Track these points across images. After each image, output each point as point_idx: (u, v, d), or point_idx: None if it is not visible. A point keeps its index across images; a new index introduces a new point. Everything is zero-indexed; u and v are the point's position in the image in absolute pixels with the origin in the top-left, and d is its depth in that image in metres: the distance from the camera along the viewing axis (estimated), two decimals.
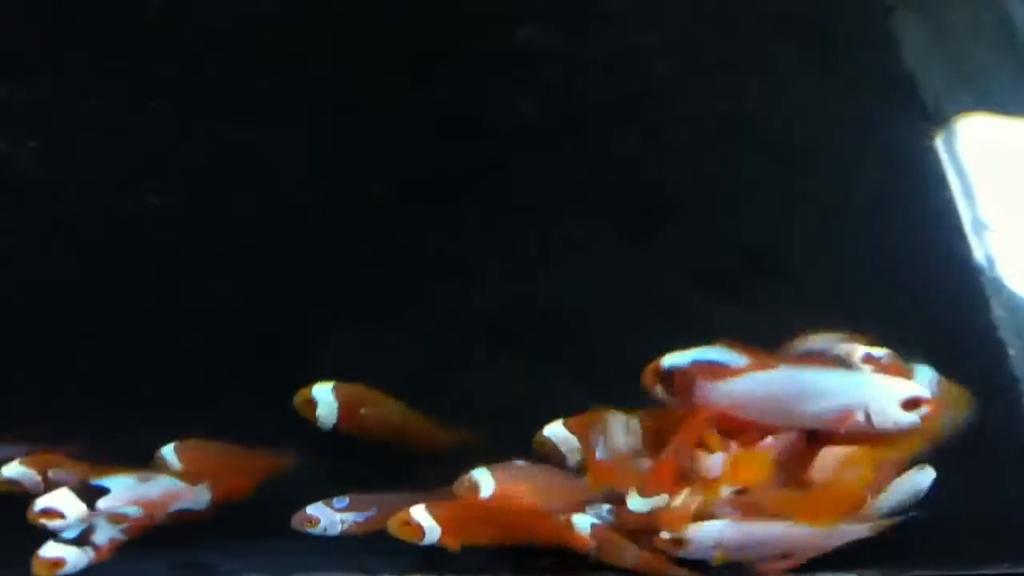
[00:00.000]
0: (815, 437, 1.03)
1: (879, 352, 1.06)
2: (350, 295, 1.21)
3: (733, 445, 1.01)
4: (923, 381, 1.06)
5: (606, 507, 1.01)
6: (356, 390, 1.07)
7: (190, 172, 1.30)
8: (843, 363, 1.06)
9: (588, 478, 1.02)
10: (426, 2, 1.49)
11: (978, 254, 1.30)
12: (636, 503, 0.99)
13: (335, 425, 1.06)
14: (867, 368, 1.05)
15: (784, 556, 1.02)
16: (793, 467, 1.02)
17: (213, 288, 1.20)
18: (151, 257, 1.23)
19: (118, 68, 1.39)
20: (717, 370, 1.03)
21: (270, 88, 1.39)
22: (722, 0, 1.53)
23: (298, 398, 1.06)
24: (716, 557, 1.00)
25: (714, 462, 1.00)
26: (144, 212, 1.26)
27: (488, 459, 1.02)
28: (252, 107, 1.36)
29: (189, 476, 1.01)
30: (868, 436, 1.02)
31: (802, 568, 1.02)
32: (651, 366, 1.03)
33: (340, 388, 1.06)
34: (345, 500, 1.01)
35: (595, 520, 1.00)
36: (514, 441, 1.05)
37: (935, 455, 1.05)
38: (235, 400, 1.09)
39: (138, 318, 1.17)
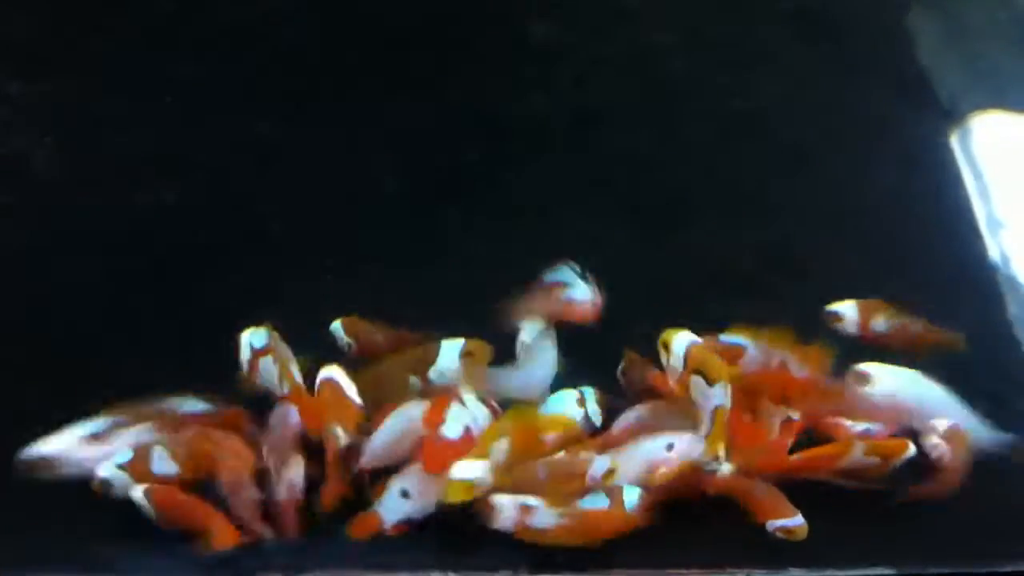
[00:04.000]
0: None
1: None
2: (366, 289, 1.21)
3: None
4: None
5: None
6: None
7: (206, 168, 1.31)
8: None
9: None
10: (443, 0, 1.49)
11: (993, 252, 1.30)
12: None
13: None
14: None
15: None
16: None
17: (230, 283, 1.20)
18: (168, 252, 1.23)
19: (134, 65, 1.39)
20: None
21: (286, 84, 1.39)
22: None
23: None
24: None
25: None
26: (160, 207, 1.27)
27: None
28: (268, 103, 1.37)
29: None
30: None
31: (813, 564, 1.03)
32: None
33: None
34: None
35: None
36: None
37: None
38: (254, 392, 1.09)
39: (156, 312, 1.17)
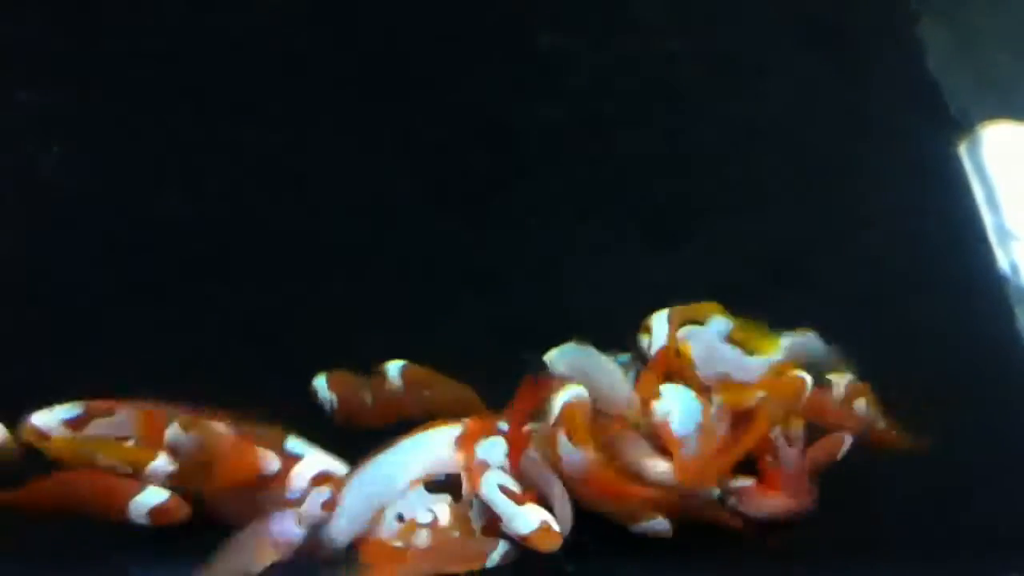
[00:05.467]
0: None
1: None
2: (374, 299, 1.21)
3: None
4: None
5: None
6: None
7: (214, 176, 1.30)
8: None
9: None
10: (451, 6, 1.49)
11: (1003, 263, 1.30)
12: None
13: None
14: None
15: None
16: None
17: (238, 292, 1.20)
18: (175, 262, 1.23)
19: (142, 72, 1.39)
20: None
21: (296, 93, 1.39)
22: (747, 6, 1.54)
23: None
24: None
25: None
26: (168, 217, 1.26)
27: None
28: (276, 111, 1.37)
29: None
30: None
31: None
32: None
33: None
34: None
35: None
36: None
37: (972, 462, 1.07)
38: (261, 404, 1.09)
39: (163, 322, 1.17)
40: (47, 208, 1.27)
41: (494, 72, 1.43)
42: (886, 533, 1.06)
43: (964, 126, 1.42)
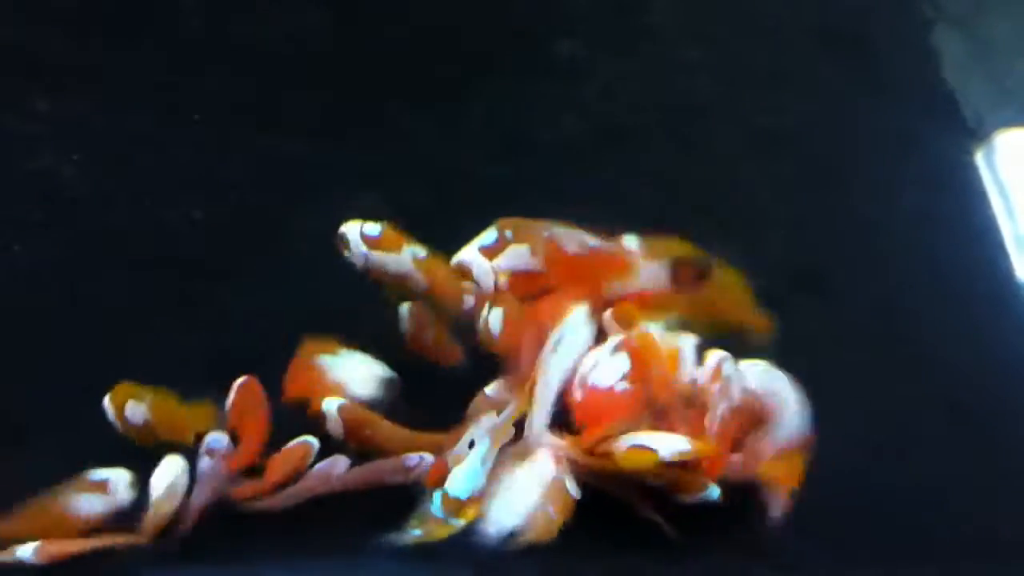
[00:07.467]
0: None
1: None
2: (393, 306, 1.21)
3: None
4: None
5: None
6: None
7: (234, 185, 1.31)
8: None
9: None
10: (468, 17, 1.49)
11: (1020, 271, 1.30)
12: None
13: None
14: None
15: None
16: None
17: (258, 301, 1.21)
18: (196, 270, 1.23)
19: (161, 81, 1.40)
20: None
21: (312, 101, 1.39)
22: (764, 15, 1.54)
23: None
24: None
25: None
26: (188, 225, 1.27)
27: None
28: (295, 120, 1.37)
29: None
30: None
31: None
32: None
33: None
34: None
35: None
36: None
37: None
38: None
39: (184, 331, 1.18)
40: (67, 217, 1.27)
41: (511, 81, 1.44)
42: (886, 535, 1.06)
43: (980, 134, 1.42)
